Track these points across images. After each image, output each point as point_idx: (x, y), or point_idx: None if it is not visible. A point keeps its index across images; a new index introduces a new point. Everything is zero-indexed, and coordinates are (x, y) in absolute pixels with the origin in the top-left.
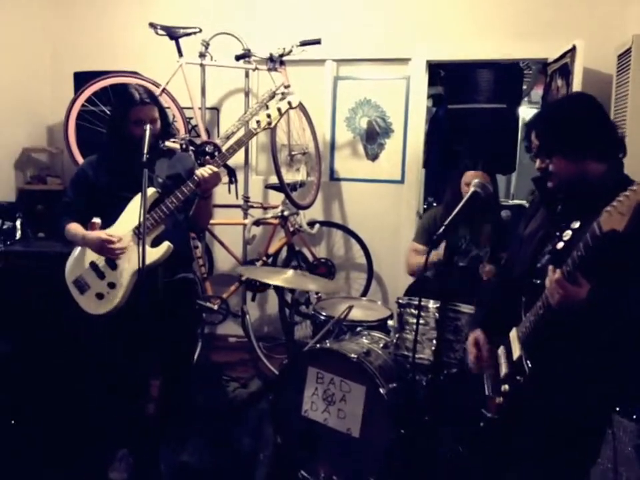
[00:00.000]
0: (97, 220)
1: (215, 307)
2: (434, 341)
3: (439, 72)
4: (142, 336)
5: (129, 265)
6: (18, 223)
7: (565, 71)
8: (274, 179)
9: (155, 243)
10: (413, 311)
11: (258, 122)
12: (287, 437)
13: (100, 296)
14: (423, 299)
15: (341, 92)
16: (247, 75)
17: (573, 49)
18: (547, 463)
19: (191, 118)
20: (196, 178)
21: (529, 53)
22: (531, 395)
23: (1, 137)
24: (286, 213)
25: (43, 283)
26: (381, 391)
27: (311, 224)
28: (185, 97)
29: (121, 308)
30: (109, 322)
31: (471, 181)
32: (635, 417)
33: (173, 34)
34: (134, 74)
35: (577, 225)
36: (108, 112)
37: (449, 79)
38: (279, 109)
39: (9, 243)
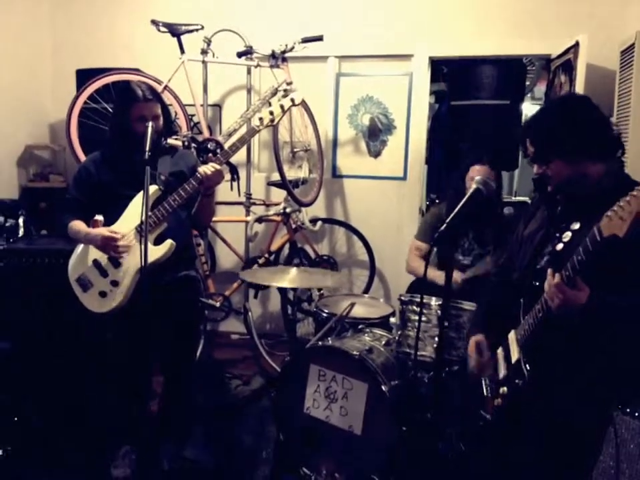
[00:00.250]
0: (99, 217)
1: (217, 304)
2: (436, 338)
3: (441, 68)
4: (144, 333)
5: (131, 263)
6: (21, 220)
7: (568, 67)
8: (276, 176)
9: (158, 241)
10: (415, 308)
11: (261, 119)
12: (289, 434)
13: (103, 294)
14: (425, 296)
15: (343, 88)
16: (248, 72)
17: (576, 45)
18: (547, 464)
19: (193, 115)
20: (199, 176)
21: (532, 49)
22: (529, 398)
23: (3, 135)
24: (288, 210)
25: (46, 281)
26: (383, 388)
27: (313, 221)
28: (187, 94)
29: (124, 306)
30: (112, 320)
31: (476, 176)
32: (637, 414)
33: (175, 31)
34: (136, 71)
35: (576, 226)
36: (110, 109)
37: (451, 75)
38: (281, 106)
39: (11, 240)
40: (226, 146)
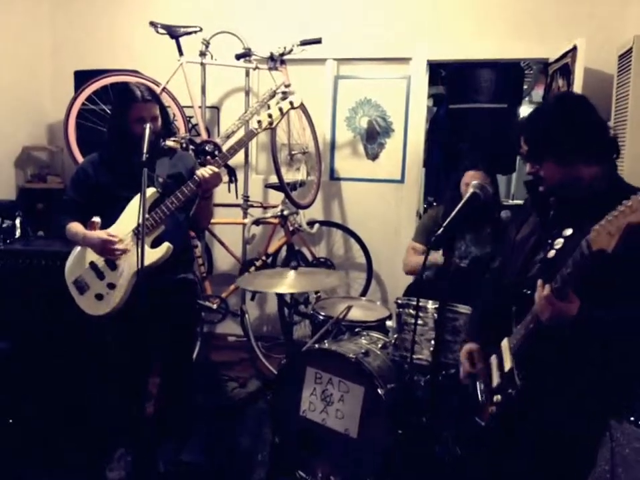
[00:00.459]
0: (96, 219)
1: (214, 306)
2: (432, 342)
3: (439, 71)
4: (142, 336)
5: (128, 266)
6: (18, 221)
7: (566, 71)
8: (274, 179)
9: (155, 244)
10: (411, 311)
11: (259, 122)
12: (285, 436)
13: (99, 297)
14: (422, 300)
15: (342, 91)
16: (247, 74)
17: (574, 49)
18: (539, 476)
19: (191, 117)
20: (197, 178)
21: (530, 53)
22: (522, 408)
23: (1, 135)
24: (286, 213)
25: (43, 282)
26: (379, 391)
27: (311, 223)
28: (185, 96)
29: (120, 309)
30: (110, 322)
31: (471, 181)
32: (632, 419)
33: (174, 33)
34: (134, 73)
35: (569, 232)
36: (108, 110)
37: (449, 78)
38: (280, 109)
39: (8, 241)
40: (224, 148)
